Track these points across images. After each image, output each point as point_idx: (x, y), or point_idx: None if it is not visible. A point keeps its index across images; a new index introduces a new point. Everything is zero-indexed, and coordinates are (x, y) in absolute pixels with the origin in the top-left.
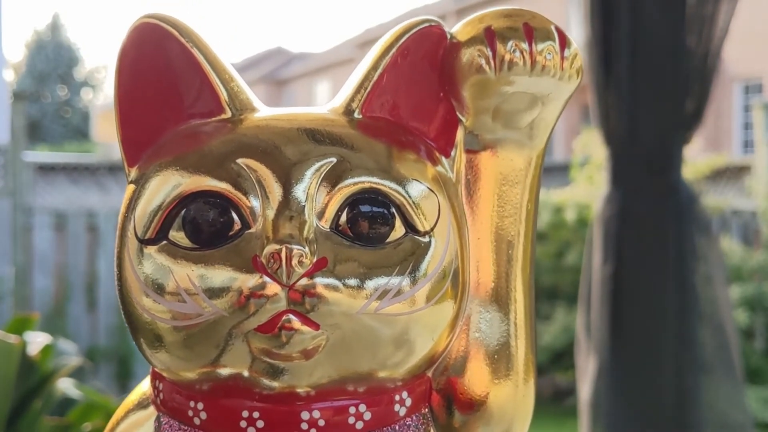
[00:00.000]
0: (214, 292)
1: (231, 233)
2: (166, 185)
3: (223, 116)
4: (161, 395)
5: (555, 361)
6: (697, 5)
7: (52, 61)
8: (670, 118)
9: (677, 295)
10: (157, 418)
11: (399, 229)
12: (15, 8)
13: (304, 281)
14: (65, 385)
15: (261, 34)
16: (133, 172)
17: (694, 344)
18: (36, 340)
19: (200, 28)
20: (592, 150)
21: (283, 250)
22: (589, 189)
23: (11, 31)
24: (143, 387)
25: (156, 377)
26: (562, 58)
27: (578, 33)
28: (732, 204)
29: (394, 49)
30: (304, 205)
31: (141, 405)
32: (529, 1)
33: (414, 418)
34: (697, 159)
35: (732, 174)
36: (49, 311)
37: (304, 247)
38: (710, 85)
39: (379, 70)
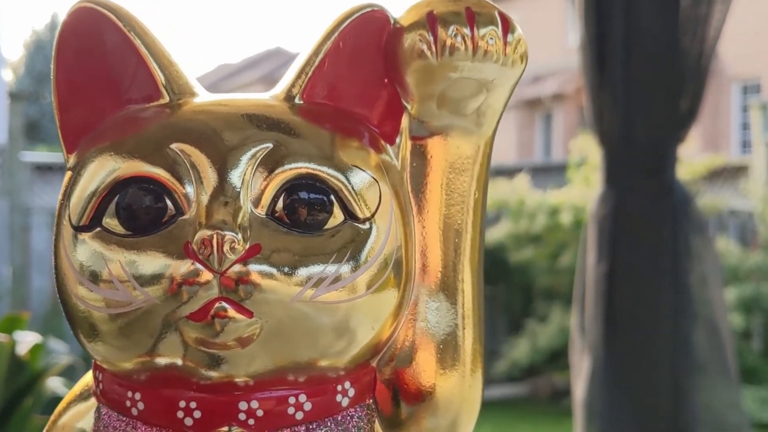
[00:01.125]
0: (146, 280)
1: (164, 219)
2: (102, 171)
3: (162, 101)
4: (101, 386)
5: (552, 362)
6: (691, 6)
7: (50, 62)
8: (664, 118)
9: (671, 294)
10: (97, 409)
11: (338, 216)
12: (14, 8)
13: (237, 268)
14: (55, 384)
15: (261, 34)
16: (72, 159)
17: (689, 344)
18: (26, 340)
19: (140, 13)
20: (589, 151)
21: (215, 236)
22: (585, 191)
23: (10, 31)
24: (87, 378)
25: (97, 368)
26: (505, 43)
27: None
28: (729, 204)
29: (335, 34)
30: (239, 191)
31: (82, 396)
32: (529, 1)
33: (358, 408)
34: (694, 159)
35: (729, 174)
36: (47, 311)
37: (237, 234)
38: (704, 85)
39: (321, 56)
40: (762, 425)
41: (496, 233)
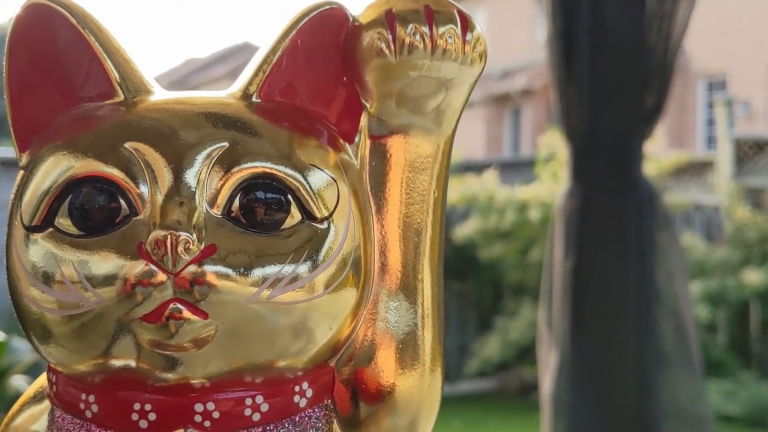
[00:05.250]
0: (98, 281)
1: (118, 220)
2: (55, 170)
3: (116, 99)
4: (55, 388)
5: (521, 356)
6: (656, 2)
7: None
8: (630, 114)
9: (638, 289)
10: (51, 411)
11: (295, 216)
12: None
13: (192, 269)
14: (18, 383)
15: (229, 28)
16: (24, 158)
17: (655, 338)
18: None
19: (96, 9)
20: (557, 147)
21: (169, 236)
22: (553, 186)
23: None
24: (41, 380)
25: (51, 370)
26: (464, 41)
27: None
28: (695, 200)
29: (293, 32)
30: (195, 191)
31: (36, 398)
32: None
33: (316, 409)
34: (661, 155)
35: (695, 170)
36: (11, 309)
37: (192, 234)
38: (670, 81)
39: (278, 54)
40: (726, 418)
41: (465, 229)
